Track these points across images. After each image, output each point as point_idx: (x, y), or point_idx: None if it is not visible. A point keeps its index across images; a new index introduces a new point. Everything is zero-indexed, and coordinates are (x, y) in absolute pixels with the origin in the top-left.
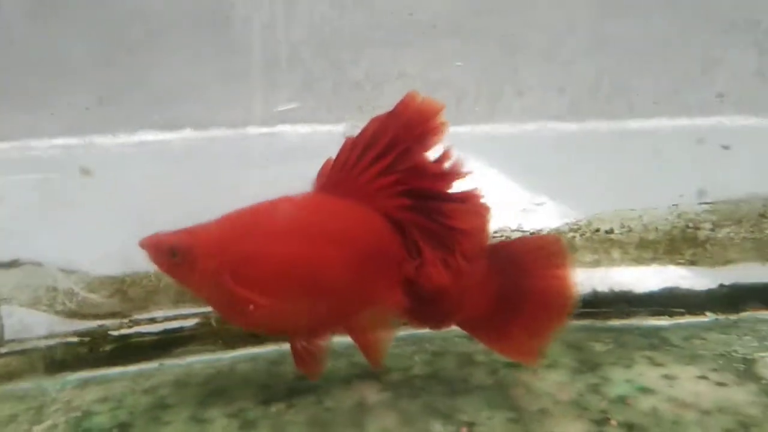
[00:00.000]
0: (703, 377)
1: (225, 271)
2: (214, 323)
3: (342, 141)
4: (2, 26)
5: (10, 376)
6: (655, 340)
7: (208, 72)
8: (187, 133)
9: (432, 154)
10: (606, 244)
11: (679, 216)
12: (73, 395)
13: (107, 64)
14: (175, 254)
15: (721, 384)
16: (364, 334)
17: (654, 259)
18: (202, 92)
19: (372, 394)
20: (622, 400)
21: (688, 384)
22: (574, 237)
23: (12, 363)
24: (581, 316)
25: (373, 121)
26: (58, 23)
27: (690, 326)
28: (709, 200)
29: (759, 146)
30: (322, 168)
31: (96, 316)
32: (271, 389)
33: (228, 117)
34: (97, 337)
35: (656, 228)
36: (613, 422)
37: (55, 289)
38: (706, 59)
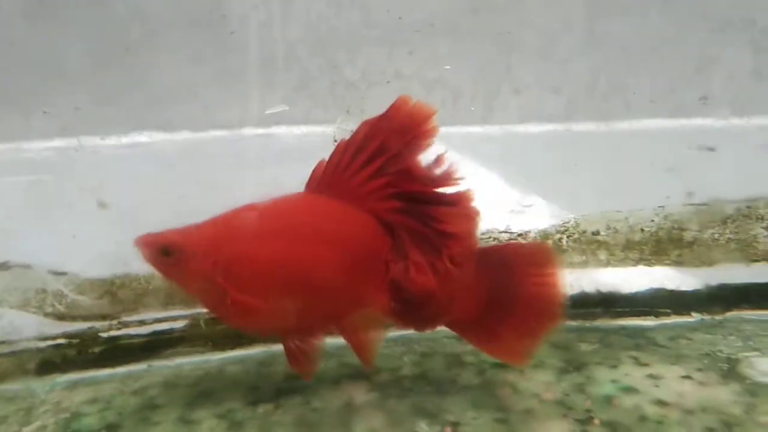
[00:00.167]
0: (688, 377)
1: (218, 271)
2: (203, 325)
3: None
4: None
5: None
6: (641, 341)
7: (204, 72)
8: (184, 134)
9: (425, 157)
10: (593, 245)
11: (665, 217)
12: (62, 396)
13: (102, 64)
14: (169, 253)
15: (705, 384)
16: (355, 334)
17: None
18: (198, 92)
19: (360, 394)
20: (606, 400)
21: (673, 384)
22: (561, 239)
23: (2, 365)
24: (568, 316)
25: (365, 124)
26: (54, 24)
27: (676, 326)
28: (696, 201)
29: (744, 147)
30: (315, 169)
31: (85, 318)
32: (259, 390)
33: (224, 117)
34: (86, 339)
35: (642, 229)
36: (596, 421)
37: (44, 291)
38: (702, 58)
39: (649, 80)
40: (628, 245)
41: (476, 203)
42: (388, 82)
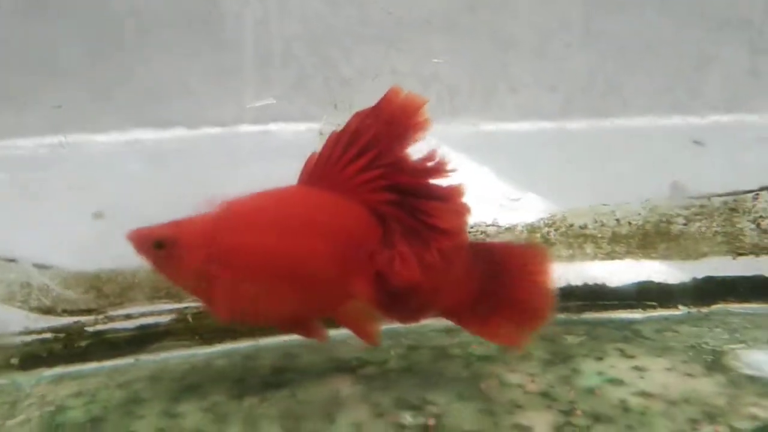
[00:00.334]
0: (673, 369)
1: (211, 263)
2: (190, 319)
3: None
4: None
5: None
6: (628, 333)
7: (198, 68)
8: (179, 131)
9: (417, 150)
10: (580, 239)
11: (651, 210)
12: (48, 390)
13: (97, 61)
14: (162, 246)
15: (689, 375)
16: (349, 323)
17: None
18: (193, 89)
19: (346, 387)
20: (591, 392)
21: (658, 375)
22: (549, 232)
23: None
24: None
25: (356, 115)
26: (47, 20)
27: (662, 319)
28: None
29: (735, 142)
30: (307, 162)
31: (71, 312)
32: (245, 383)
33: (219, 114)
34: (72, 333)
35: (629, 222)
36: (579, 412)
37: (29, 285)
38: (700, 57)
39: (646, 78)
40: (615, 238)
41: (467, 199)
42: (375, 77)
